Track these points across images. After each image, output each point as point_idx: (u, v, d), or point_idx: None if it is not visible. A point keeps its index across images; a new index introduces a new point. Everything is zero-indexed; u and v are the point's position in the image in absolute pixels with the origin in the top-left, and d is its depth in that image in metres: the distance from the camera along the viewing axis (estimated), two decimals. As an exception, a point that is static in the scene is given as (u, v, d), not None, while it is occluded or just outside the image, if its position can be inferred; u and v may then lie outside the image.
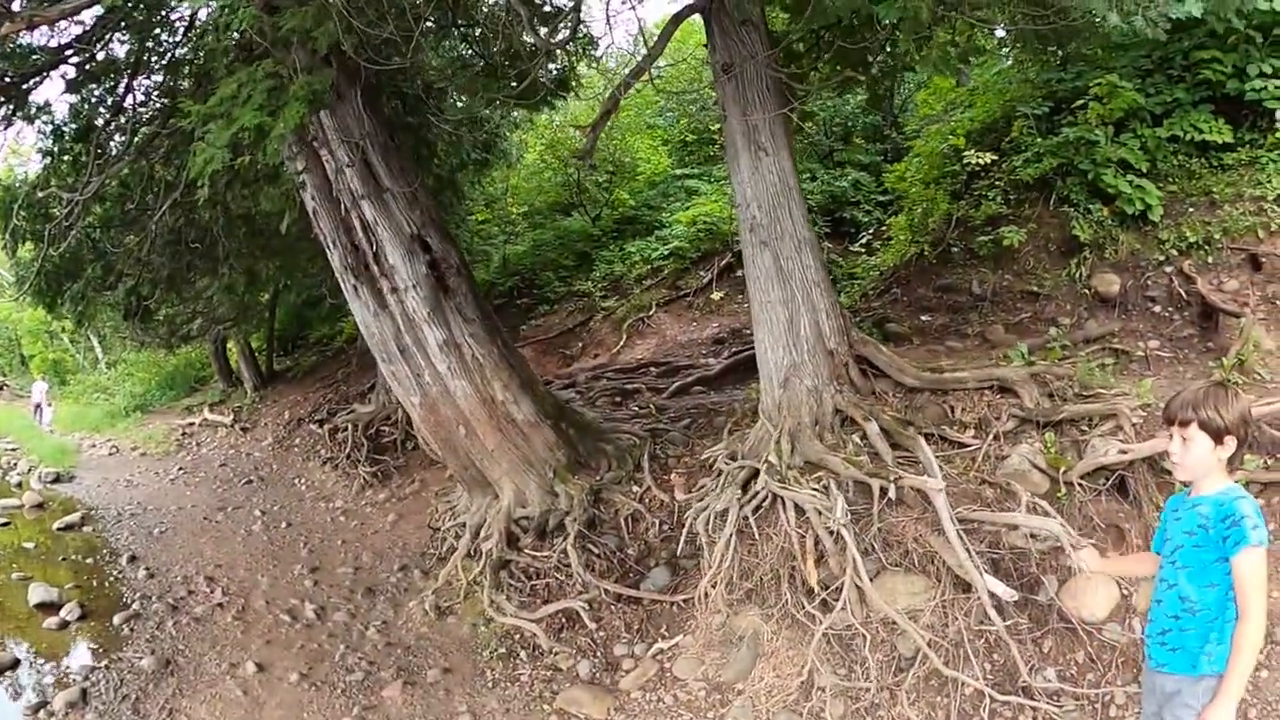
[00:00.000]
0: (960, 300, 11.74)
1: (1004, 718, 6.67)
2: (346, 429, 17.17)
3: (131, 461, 21.64)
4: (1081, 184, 10.88)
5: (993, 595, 6.78)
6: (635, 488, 10.77)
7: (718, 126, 22.09)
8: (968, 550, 7.01)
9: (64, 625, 10.87)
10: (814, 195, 18.31)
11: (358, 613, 10.85)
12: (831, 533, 7.70)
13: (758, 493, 8.46)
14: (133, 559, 13.30)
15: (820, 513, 7.78)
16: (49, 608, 11.24)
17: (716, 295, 17.78)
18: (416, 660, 9.46)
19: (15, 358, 45.58)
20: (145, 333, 20.49)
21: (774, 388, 9.13)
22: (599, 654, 8.86)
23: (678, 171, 22.68)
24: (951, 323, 11.53)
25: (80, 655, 10.10)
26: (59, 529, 15.33)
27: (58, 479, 19.63)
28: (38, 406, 29.56)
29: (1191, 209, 10.31)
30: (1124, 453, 7.59)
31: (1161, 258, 10.21)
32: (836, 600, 7.48)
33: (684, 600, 8.99)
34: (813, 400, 8.93)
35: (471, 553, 10.83)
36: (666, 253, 19.36)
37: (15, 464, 21.83)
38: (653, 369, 15.30)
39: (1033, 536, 7.20)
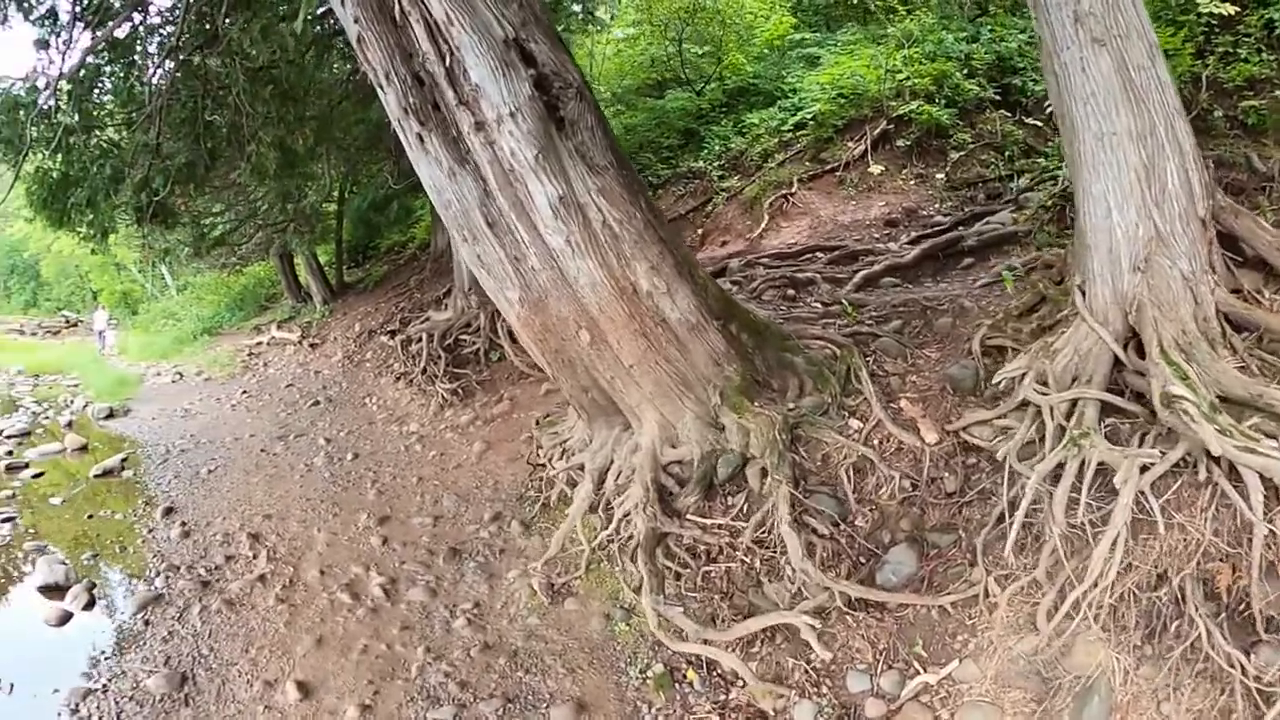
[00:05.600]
0: (1238, 179, 8.19)
1: None
2: (421, 340, 13.81)
3: (194, 388, 18.50)
4: (1369, 52, 8.21)
5: None
6: (855, 421, 6.81)
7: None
8: None
9: (65, 619, 7.74)
10: (980, 56, 14.53)
11: (439, 588, 7.33)
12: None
13: (1185, 453, 4.81)
14: (169, 511, 10.08)
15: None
16: (54, 591, 8.20)
17: (875, 169, 13.57)
18: (531, 681, 5.91)
19: (86, 293, 43.08)
20: (168, 232, 16.75)
21: (1120, 271, 5.52)
22: (824, 690, 5.23)
23: (795, 36, 18.11)
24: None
25: (75, 667, 6.77)
26: (96, 475, 12.13)
27: (110, 414, 16.58)
28: (100, 333, 28.19)
29: None
30: None
31: None
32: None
33: (952, 603, 5.32)
34: (1188, 295, 5.19)
35: (595, 506, 7.15)
36: (804, 121, 14.97)
37: (72, 401, 18.75)
38: (820, 255, 11.19)
39: None
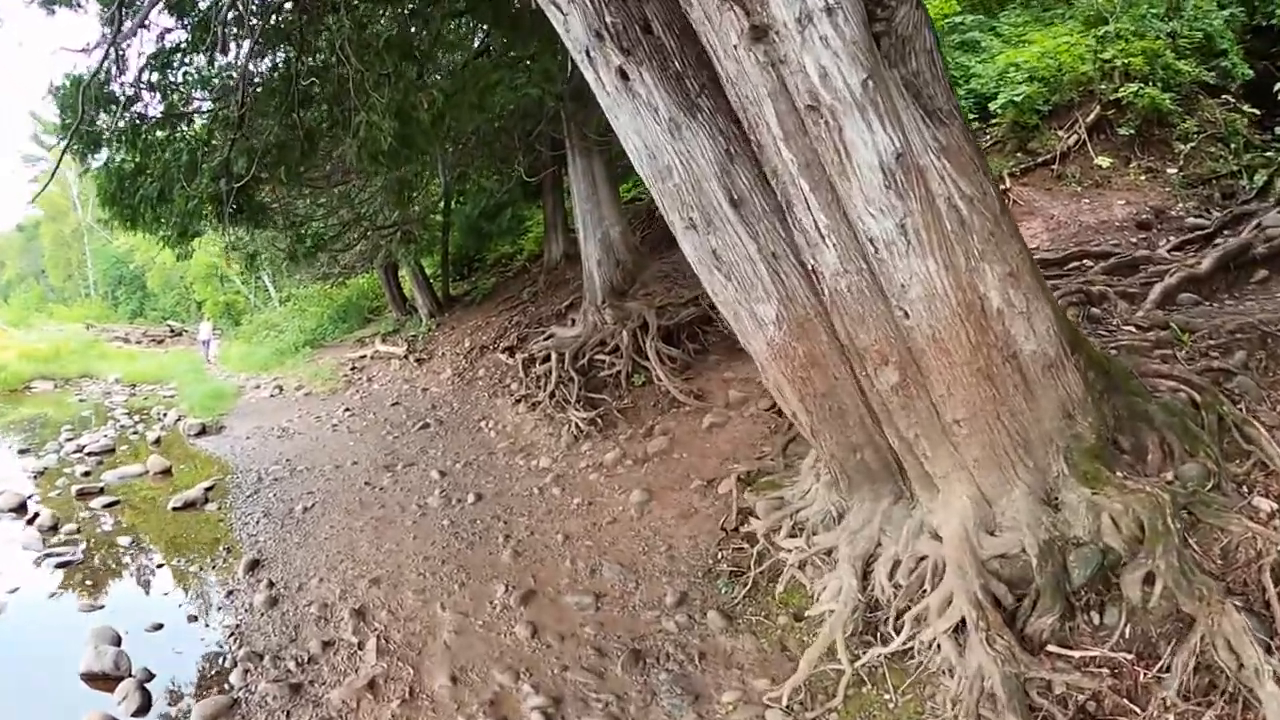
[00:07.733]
0: None
1: None
2: (546, 358, 11.55)
3: (293, 403, 16.64)
4: None
5: None
6: (1263, 501, 4.23)
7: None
8: None
9: (109, 731, 5.46)
10: (1186, 34, 12.25)
11: (625, 716, 4.93)
12: None
13: None
14: (254, 565, 7.99)
15: None
16: (101, 680, 6.11)
17: (1103, 161, 10.98)
18: None
19: (190, 304, 42.46)
20: (257, 231, 14.76)
21: None
22: None
23: (952, 20, 15.39)
24: None
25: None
26: (175, 509, 10.12)
27: (203, 431, 14.81)
28: (205, 343, 27.43)
29: None
30: None
31: None
32: None
33: None
34: None
35: (857, 608, 4.70)
36: (1000, 108, 12.30)
37: (165, 414, 17.07)
38: (1088, 262, 8.52)
39: None
